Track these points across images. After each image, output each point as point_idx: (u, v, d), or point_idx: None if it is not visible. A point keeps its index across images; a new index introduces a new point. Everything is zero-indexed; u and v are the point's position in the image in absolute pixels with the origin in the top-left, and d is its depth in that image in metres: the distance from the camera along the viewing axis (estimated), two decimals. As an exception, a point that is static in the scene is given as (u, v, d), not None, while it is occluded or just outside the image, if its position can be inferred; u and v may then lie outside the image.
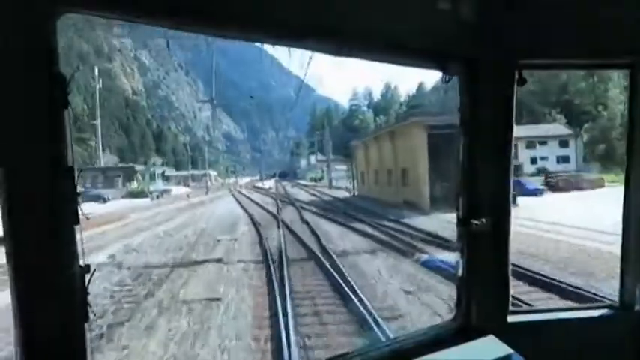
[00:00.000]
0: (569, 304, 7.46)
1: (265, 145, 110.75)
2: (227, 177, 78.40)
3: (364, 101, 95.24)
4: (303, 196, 36.89)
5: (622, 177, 2.29)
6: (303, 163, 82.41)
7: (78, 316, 1.27)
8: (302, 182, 63.64)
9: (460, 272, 2.10)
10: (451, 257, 9.80)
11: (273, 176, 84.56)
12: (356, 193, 35.52)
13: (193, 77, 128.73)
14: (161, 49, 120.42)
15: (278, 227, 18.05)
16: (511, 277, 2.11)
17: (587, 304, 4.31)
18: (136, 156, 67.37)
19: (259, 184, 61.27)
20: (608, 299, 2.85)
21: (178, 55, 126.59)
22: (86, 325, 1.30)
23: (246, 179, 79.39)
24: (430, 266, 10.85)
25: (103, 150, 53.78)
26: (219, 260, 12.63)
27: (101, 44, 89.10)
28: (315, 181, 64.93)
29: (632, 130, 2.17)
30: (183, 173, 62.70)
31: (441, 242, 13.24)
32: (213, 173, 73.78)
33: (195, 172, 63.74)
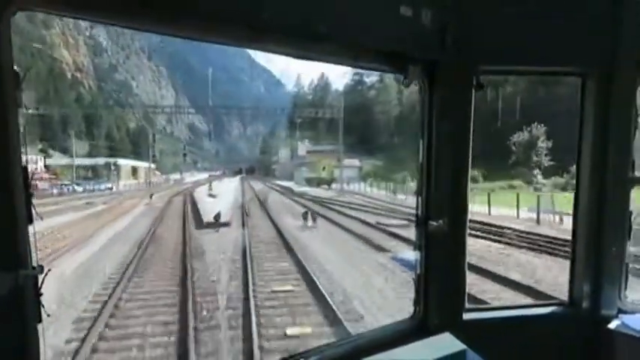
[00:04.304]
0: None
1: (230, 138, 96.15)
2: (164, 172, 60.45)
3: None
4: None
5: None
6: (283, 154, 63.69)
7: (31, 316, 1.25)
8: (293, 186, 39.33)
9: (418, 271, 2.16)
10: None
11: (239, 172, 68.38)
12: None
13: (156, 63, 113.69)
14: (121, 31, 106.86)
15: None
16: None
17: (539, 302, 4.12)
18: (42, 138, 50.33)
19: (202, 191, 33.91)
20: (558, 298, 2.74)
21: (141, 40, 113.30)
22: (39, 326, 1.27)
23: (204, 175, 62.45)
24: None
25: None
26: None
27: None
28: (319, 184, 40.77)
29: (581, 138, 2.25)
30: (88, 162, 43.81)
31: None
32: (144, 165, 54.99)
33: (104, 161, 45.70)
